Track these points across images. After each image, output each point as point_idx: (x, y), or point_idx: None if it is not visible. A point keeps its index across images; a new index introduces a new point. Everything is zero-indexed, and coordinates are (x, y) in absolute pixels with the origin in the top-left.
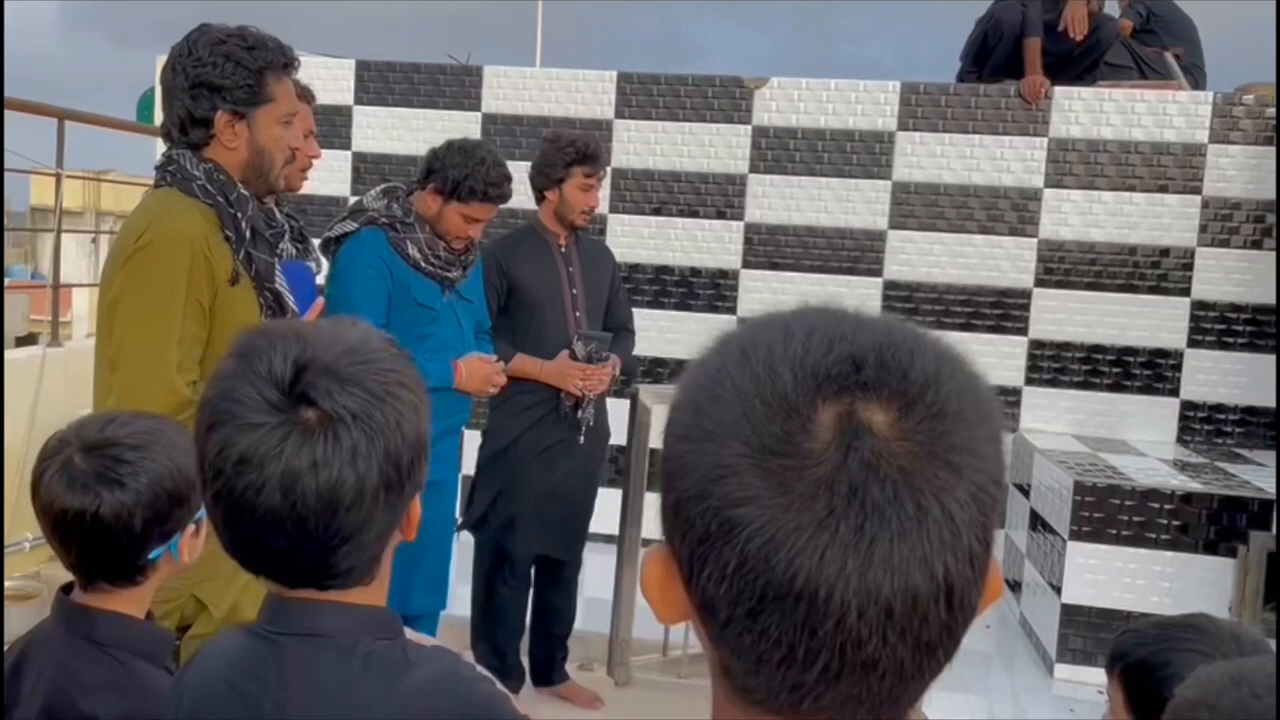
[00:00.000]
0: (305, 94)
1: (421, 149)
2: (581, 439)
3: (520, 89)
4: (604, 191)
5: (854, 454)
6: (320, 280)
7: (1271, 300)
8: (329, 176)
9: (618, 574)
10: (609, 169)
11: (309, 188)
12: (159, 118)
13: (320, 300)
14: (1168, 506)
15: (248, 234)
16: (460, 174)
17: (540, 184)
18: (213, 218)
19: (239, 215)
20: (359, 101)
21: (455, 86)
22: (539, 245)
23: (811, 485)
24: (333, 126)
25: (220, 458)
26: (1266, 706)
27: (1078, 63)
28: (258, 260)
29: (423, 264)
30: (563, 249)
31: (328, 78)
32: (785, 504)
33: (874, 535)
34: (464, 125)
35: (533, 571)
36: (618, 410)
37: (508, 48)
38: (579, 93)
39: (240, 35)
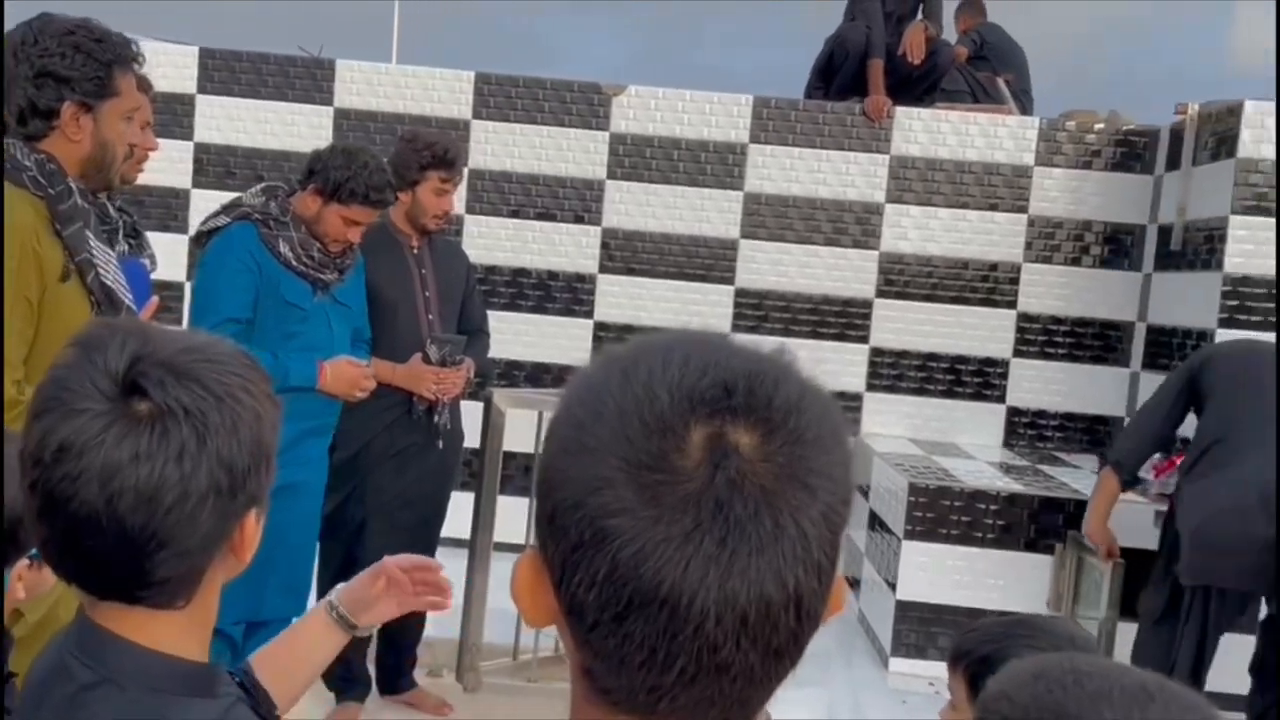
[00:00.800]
0: (143, 84)
1: (268, 142)
2: (440, 444)
3: (375, 85)
4: (460, 192)
5: (721, 472)
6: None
7: (1088, 313)
8: (168, 168)
9: (469, 578)
10: (466, 170)
11: (146, 179)
12: None
13: (155, 299)
14: (993, 507)
15: (75, 228)
16: (342, 176)
17: (394, 184)
18: (44, 210)
19: (63, 209)
20: (202, 90)
21: (306, 80)
22: (391, 246)
23: (681, 500)
24: (173, 115)
25: (40, 445)
26: (1057, 701)
27: (917, 84)
28: (92, 253)
29: (294, 263)
30: (415, 250)
31: (168, 64)
32: (655, 516)
33: (735, 548)
34: (314, 119)
35: None
36: (472, 413)
37: (362, 42)
38: (435, 91)
39: (87, 27)
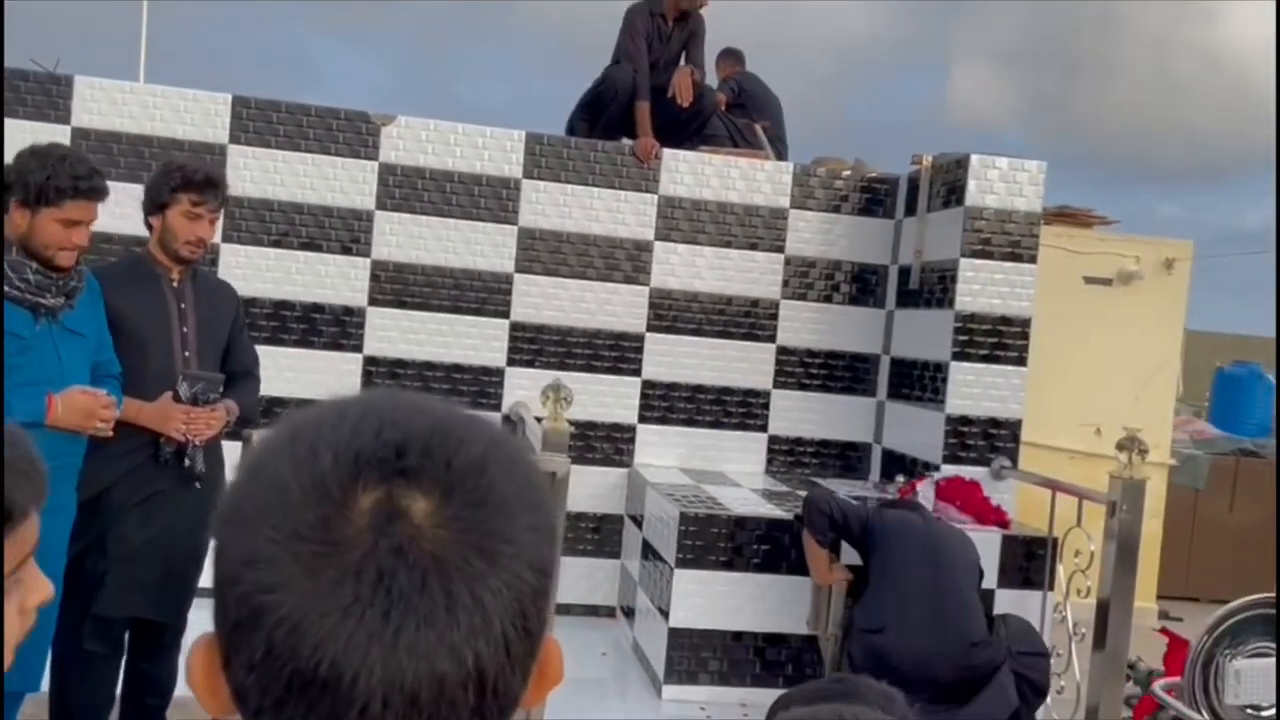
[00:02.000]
0: None
1: None
2: (198, 485)
3: (119, 104)
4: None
5: (385, 540)
6: None
7: (840, 347)
8: None
9: None
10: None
11: None
12: None
13: None
14: (757, 532)
15: None
16: (40, 177)
17: (146, 209)
18: None
19: None
20: None
21: (40, 95)
22: (148, 276)
23: (340, 572)
24: None
25: None
26: None
27: (685, 127)
28: None
29: (6, 289)
30: (175, 283)
31: None
32: (313, 590)
33: (400, 623)
34: (50, 139)
35: (127, 636)
36: (236, 457)
37: (107, 57)
38: (188, 114)
39: None
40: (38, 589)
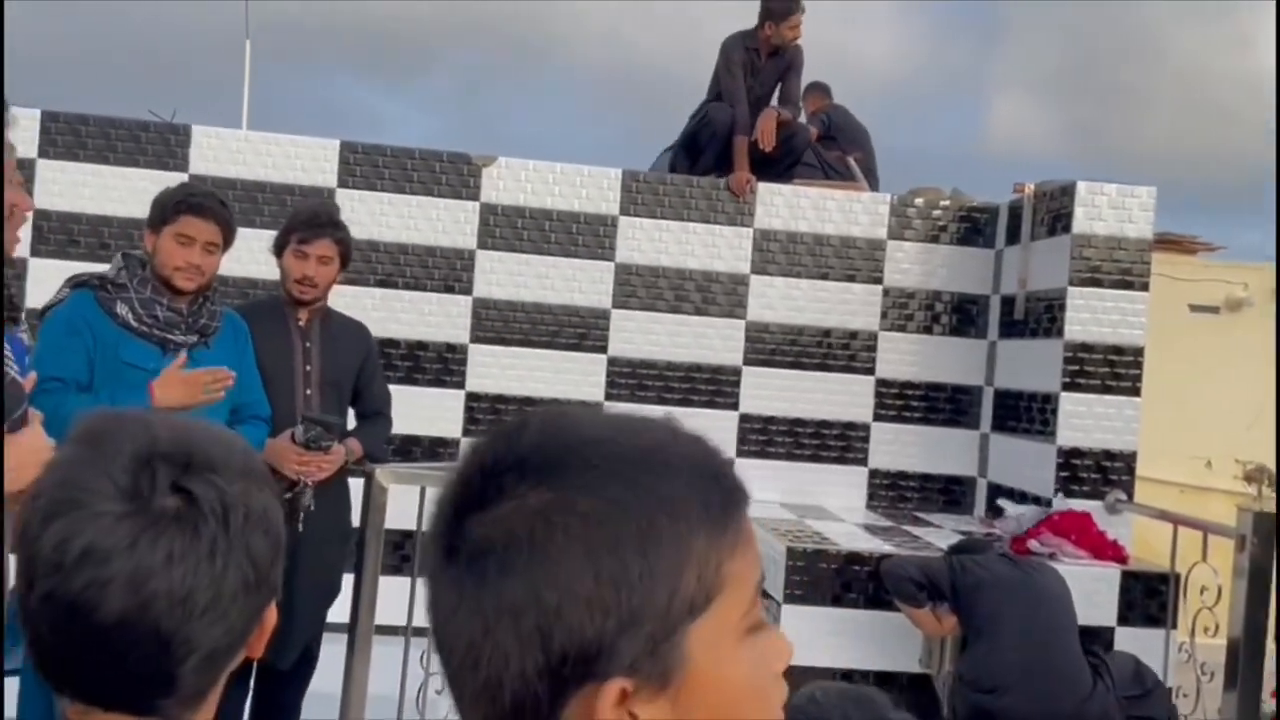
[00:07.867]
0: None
1: (120, 209)
2: (300, 527)
3: (234, 152)
4: None
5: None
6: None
7: (941, 379)
8: None
9: (348, 665)
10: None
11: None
12: None
13: (34, 374)
14: (867, 569)
15: None
16: (160, 199)
17: (274, 253)
18: None
19: None
20: (44, 155)
21: (159, 145)
22: (275, 316)
23: None
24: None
25: (59, 551)
26: None
27: (779, 163)
28: None
29: (133, 323)
30: (301, 323)
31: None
32: None
33: None
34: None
35: (254, 665)
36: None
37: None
38: (299, 159)
39: None
40: None
